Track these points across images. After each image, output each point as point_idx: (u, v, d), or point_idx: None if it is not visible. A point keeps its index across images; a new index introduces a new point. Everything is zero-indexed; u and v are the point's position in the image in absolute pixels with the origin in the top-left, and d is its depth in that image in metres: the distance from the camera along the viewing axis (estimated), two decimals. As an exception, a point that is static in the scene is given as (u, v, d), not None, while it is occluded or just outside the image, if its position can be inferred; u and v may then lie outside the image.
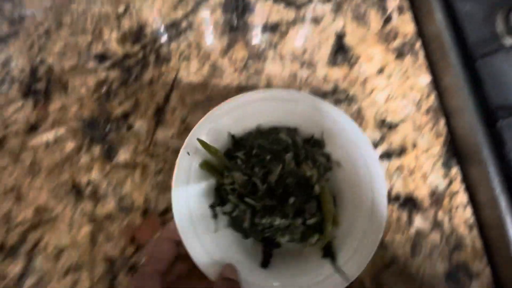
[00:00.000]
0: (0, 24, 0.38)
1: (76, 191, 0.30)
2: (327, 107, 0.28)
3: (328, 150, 0.28)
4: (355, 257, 0.23)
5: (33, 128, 0.32)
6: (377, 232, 0.23)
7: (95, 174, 0.30)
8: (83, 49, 0.37)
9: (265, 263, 0.25)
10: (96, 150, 0.32)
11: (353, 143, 0.27)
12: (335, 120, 0.27)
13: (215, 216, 0.26)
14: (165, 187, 0.30)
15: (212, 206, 0.26)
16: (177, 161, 0.25)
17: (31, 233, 0.28)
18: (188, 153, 0.26)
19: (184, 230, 0.23)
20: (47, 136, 0.32)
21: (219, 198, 0.26)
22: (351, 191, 0.27)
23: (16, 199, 0.30)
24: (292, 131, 0.28)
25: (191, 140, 0.26)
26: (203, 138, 0.25)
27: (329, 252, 0.25)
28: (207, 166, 0.26)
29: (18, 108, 0.33)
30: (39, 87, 0.34)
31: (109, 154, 0.31)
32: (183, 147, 0.26)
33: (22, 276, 0.27)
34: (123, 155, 0.31)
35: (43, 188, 0.30)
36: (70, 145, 0.32)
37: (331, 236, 0.25)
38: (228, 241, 0.25)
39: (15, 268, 0.27)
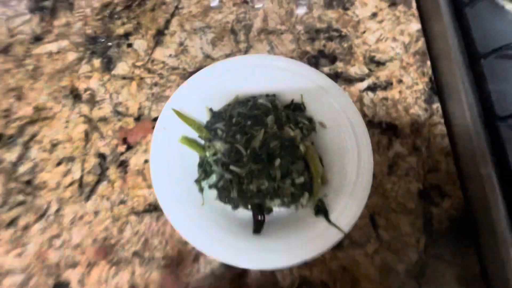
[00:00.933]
0: None
1: (75, 95, 0.32)
2: (307, 70, 0.29)
3: (311, 112, 0.30)
4: (346, 211, 0.24)
5: (38, 39, 0.34)
6: (366, 186, 0.25)
7: (93, 82, 0.32)
8: (91, -24, 0.38)
9: (257, 229, 0.25)
10: (97, 62, 0.33)
11: (336, 104, 0.28)
12: (316, 83, 0.29)
13: (201, 190, 0.26)
14: (159, 98, 0.32)
15: (197, 181, 0.26)
16: (153, 136, 0.25)
17: (29, 127, 0.30)
18: (165, 128, 0.26)
19: (169, 206, 0.23)
20: (51, 46, 0.34)
21: (203, 172, 0.27)
22: (337, 150, 0.28)
23: (17, 98, 0.31)
24: (271, 97, 0.30)
25: (166, 113, 0.26)
26: (183, 112, 0.26)
27: (321, 210, 0.25)
28: (186, 141, 0.26)
29: (25, 21, 0.35)
30: (46, 4, 0.36)
31: (108, 66, 0.33)
32: (157, 122, 0.26)
33: (17, 163, 0.29)
34: (121, 68, 0.33)
35: (43, 90, 0.32)
36: (71, 56, 0.34)
37: (322, 193, 0.26)
38: (217, 214, 0.25)
39: (11, 155, 0.29)
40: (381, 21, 0.40)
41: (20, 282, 0.26)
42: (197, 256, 0.27)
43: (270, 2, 0.40)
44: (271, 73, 0.30)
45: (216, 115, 0.28)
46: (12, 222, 0.27)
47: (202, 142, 0.28)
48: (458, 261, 0.29)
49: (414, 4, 0.41)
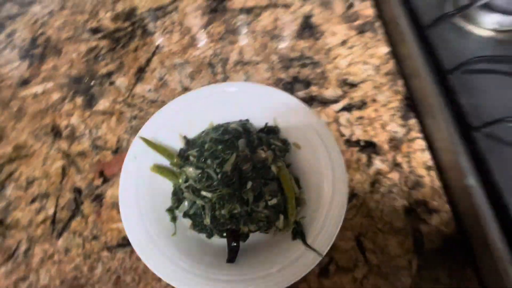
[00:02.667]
0: (11, 6, 0.44)
1: (55, 132, 0.33)
2: (279, 94, 0.30)
3: (285, 135, 0.30)
4: (322, 232, 0.24)
5: (25, 82, 0.36)
6: (341, 205, 0.24)
7: (74, 119, 0.34)
8: (80, 25, 0.42)
9: (231, 258, 0.24)
10: (79, 100, 0.35)
11: (308, 126, 0.29)
12: (288, 106, 0.29)
13: (173, 219, 0.26)
14: (137, 130, 0.33)
15: (170, 210, 0.26)
16: (123, 165, 0.26)
17: (7, 165, 0.31)
18: (135, 157, 0.26)
19: (137, 238, 0.23)
20: (36, 88, 0.36)
21: (177, 200, 0.27)
22: (313, 171, 0.28)
23: (-1, 138, 0.32)
24: (243, 122, 0.30)
25: (137, 143, 0.27)
26: (155, 140, 0.26)
27: (298, 232, 0.24)
28: (158, 169, 0.26)
29: (14, 67, 0.38)
30: (36, 52, 0.39)
31: (90, 103, 0.35)
32: (128, 151, 0.26)
33: (-9, 202, 0.28)
34: (102, 104, 0.35)
35: (25, 129, 0.33)
36: (55, 96, 0.35)
37: (299, 215, 0.25)
38: (191, 244, 0.24)
39: (-15, 195, 0.29)
40: (351, 47, 0.42)
41: (-22, 333, 0.24)
42: (172, 292, 0.25)
43: (245, 37, 0.43)
44: (245, 99, 0.31)
45: (190, 143, 0.29)
46: (-22, 266, 0.26)
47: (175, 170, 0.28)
48: (456, 283, 0.27)
49: (380, 31, 0.44)
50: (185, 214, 0.26)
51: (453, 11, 0.41)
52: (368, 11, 0.45)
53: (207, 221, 0.24)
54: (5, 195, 0.30)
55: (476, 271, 0.27)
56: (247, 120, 0.30)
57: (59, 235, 0.28)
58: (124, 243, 0.27)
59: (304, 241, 0.23)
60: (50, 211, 0.29)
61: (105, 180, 0.30)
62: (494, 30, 0.41)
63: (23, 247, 0.27)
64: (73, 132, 0.33)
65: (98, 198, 0.29)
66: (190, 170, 0.25)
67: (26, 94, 0.36)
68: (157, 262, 0.22)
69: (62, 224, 0.28)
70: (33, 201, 0.29)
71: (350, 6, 0.46)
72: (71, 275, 0.26)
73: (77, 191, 0.30)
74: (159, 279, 0.26)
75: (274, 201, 0.24)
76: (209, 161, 0.25)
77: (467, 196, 0.29)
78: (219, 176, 0.24)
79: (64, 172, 0.31)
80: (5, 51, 0.40)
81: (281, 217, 0.25)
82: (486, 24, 0.41)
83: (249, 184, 0.24)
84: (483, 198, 0.28)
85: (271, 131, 0.30)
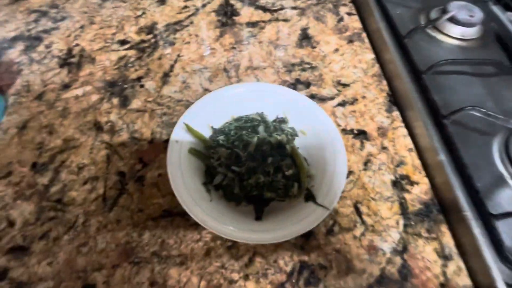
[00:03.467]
0: (46, 22, 0.50)
1: (97, 127, 0.38)
2: (288, 91, 0.37)
3: (293, 124, 0.37)
4: (329, 194, 0.30)
5: (66, 86, 0.42)
6: (342, 175, 0.31)
7: (113, 116, 0.39)
8: (109, 37, 0.48)
9: (258, 217, 0.30)
10: (115, 100, 0.41)
11: (314, 116, 0.36)
12: (297, 101, 0.36)
13: (208, 191, 0.31)
14: (167, 125, 0.39)
15: (205, 183, 0.31)
16: (168, 147, 0.31)
17: (59, 155, 0.36)
18: (177, 141, 0.32)
19: (184, 199, 0.28)
20: (77, 91, 0.42)
21: (209, 177, 0.33)
22: (318, 153, 0.34)
23: (49, 133, 0.38)
24: (260, 113, 0.37)
25: (178, 129, 0.33)
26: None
27: (309, 196, 0.31)
28: (194, 152, 0.33)
29: (55, 74, 0.43)
30: (73, 61, 0.45)
31: (124, 103, 0.41)
32: (171, 136, 0.32)
33: (49, 185, 0.34)
34: (135, 103, 0.41)
35: (71, 125, 0.39)
36: (94, 97, 0.41)
37: (308, 183, 0.32)
38: (224, 210, 0.30)
39: (43, 179, 0.34)
40: (342, 54, 0.50)
41: (51, 287, 0.29)
42: (208, 251, 0.31)
43: (253, 46, 0.50)
44: (259, 96, 0.37)
45: (217, 131, 0.35)
46: (43, 235, 0.31)
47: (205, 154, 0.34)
48: (434, 236, 0.33)
49: (366, 40, 0.52)
50: (218, 187, 0.32)
51: (425, 24, 0.50)
52: (355, 24, 0.54)
53: (237, 190, 0.30)
54: (60, 178, 0.35)
55: (449, 226, 0.34)
56: (262, 113, 0.37)
57: (110, 209, 0.33)
58: (165, 214, 0.33)
59: (315, 201, 0.30)
60: (100, 191, 0.34)
61: (144, 165, 0.36)
62: (458, 39, 0.50)
63: (81, 220, 0.32)
64: (113, 127, 0.39)
65: (139, 180, 0.35)
66: (222, 150, 0.31)
67: (68, 96, 0.42)
68: (201, 218, 0.28)
69: (112, 201, 0.34)
70: (85, 183, 0.35)
71: (340, 19, 0.54)
72: (123, 239, 0.31)
73: (122, 174, 0.36)
74: (198, 240, 0.31)
75: (290, 172, 0.31)
76: (236, 143, 0.32)
77: (440, 170, 0.36)
78: (245, 154, 0.31)
79: (108, 159, 0.37)
80: (45, 60, 0.46)
81: (296, 185, 0.31)
82: (452, 34, 0.50)
83: (270, 159, 0.31)
84: (452, 171, 0.36)
85: (281, 121, 0.37)
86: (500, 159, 0.37)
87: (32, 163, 0.36)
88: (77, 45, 0.48)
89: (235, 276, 0.30)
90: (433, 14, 0.53)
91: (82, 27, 0.50)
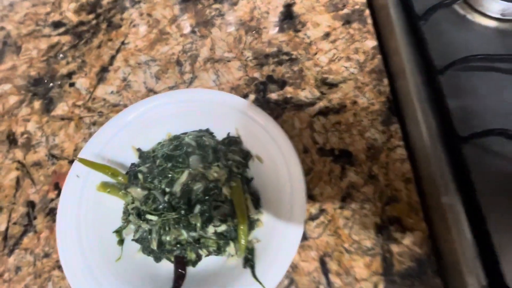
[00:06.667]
0: (-29, -2, 0.41)
1: (10, 140, 0.31)
2: (239, 102, 0.27)
3: (247, 146, 0.27)
4: (274, 264, 0.22)
5: (-19, 85, 0.34)
6: (293, 243, 0.22)
7: (31, 125, 0.32)
8: (41, 18, 0.39)
9: (175, 287, 0.22)
10: (37, 104, 0.33)
11: (271, 140, 0.26)
12: (253, 118, 0.26)
13: (121, 242, 0.24)
14: (96, 138, 0.30)
15: (117, 231, 0.24)
16: (63, 187, 0.23)
17: (-40, 177, 0.29)
18: (78, 176, 0.24)
19: (70, 266, 0.21)
20: (-7, 91, 0.33)
21: (126, 221, 0.24)
22: (273, 188, 0.25)
23: (-47, 146, 0.30)
24: (202, 133, 0.27)
25: (83, 156, 0.24)
26: (104, 154, 0.23)
27: (249, 261, 0.23)
28: (105, 188, 0.24)
29: (-29, 67, 0.35)
30: (-5, 49, 0.36)
31: (48, 108, 0.33)
32: (71, 169, 0.24)
33: None
34: (61, 109, 0.32)
35: (-20, 137, 0.31)
36: (12, 99, 0.33)
37: (249, 241, 0.23)
38: (137, 270, 0.23)
39: None
40: (334, 41, 0.38)
41: None
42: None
43: (218, 30, 0.39)
44: (205, 108, 0.28)
45: (143, 156, 0.27)
46: None
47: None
48: (425, 310, 0.25)
49: (369, 20, 0.39)
50: (132, 238, 0.24)
51: (451, -2, 0.36)
52: (356, -2, 0.40)
53: (154, 245, 0.22)
54: (-43, 209, 0.28)
55: (447, 299, 0.25)
56: (207, 129, 0.28)
57: (11, 252, 0.27)
58: (77, 261, 0.26)
59: (253, 273, 0.21)
60: (2, 227, 0.28)
61: (59, 193, 0.29)
62: (499, 19, 0.36)
63: (-27, 265, 0.26)
64: (29, 140, 0.32)
65: (52, 213, 0.28)
66: (137, 191, 0.23)
67: (-18, 98, 0.34)
68: None
69: (14, 240, 0.27)
70: (-15, 215, 0.28)
71: (337, -9, 0.41)
72: (20, 295, 0.25)
73: (31, 204, 0.28)
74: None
75: (223, 227, 0.22)
76: (156, 181, 0.23)
77: (445, 216, 0.26)
78: (166, 198, 0.22)
79: (18, 183, 0.29)
80: (-37, 49, 0.37)
81: (232, 244, 0.23)
82: (490, 12, 0.36)
83: (197, 208, 0.22)
84: (464, 220, 0.26)
85: (232, 142, 0.27)
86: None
87: None
88: (2, 28, 0.39)
89: None
90: (466, -17, 0.38)
91: (11, 4, 0.41)
